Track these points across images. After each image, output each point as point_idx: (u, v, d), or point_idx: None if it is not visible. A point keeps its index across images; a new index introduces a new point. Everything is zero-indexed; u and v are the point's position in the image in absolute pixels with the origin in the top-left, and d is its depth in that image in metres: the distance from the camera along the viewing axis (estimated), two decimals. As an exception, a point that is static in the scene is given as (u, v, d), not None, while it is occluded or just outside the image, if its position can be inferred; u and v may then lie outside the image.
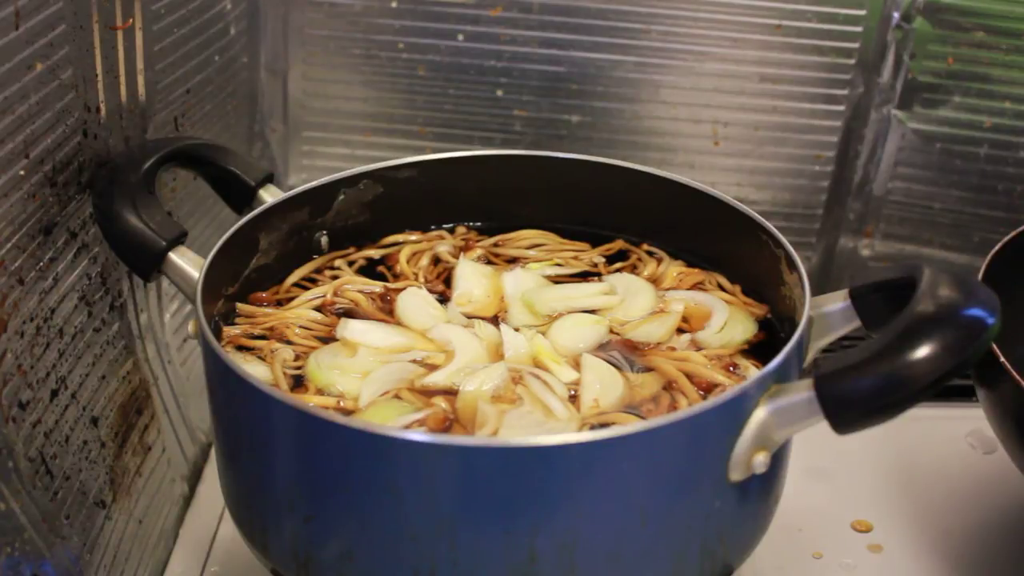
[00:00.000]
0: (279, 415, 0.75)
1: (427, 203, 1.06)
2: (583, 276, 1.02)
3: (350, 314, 0.95)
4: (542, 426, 0.81)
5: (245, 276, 0.96)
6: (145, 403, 1.04)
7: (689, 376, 0.87)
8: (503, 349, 0.89)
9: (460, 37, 1.31)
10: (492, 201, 1.07)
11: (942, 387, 0.70)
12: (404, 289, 0.97)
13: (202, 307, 0.83)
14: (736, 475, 0.76)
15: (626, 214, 1.05)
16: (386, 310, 0.96)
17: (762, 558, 0.99)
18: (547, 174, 1.06)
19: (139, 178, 0.93)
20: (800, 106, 1.32)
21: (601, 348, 0.91)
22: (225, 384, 0.80)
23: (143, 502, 1.02)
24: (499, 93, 1.33)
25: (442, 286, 1.00)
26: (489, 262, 1.03)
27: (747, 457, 0.75)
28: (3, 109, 0.78)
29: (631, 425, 0.72)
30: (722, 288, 0.99)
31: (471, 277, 0.99)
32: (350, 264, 1.02)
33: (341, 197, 1.02)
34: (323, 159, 1.39)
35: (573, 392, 0.85)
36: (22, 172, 0.82)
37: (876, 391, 0.70)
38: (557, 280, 1.01)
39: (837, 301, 0.86)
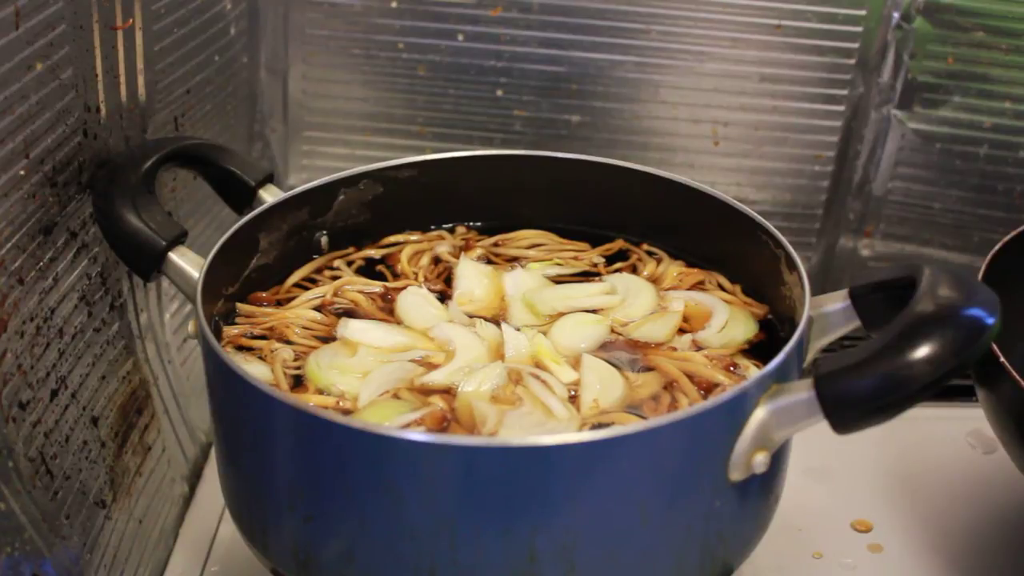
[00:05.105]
0: (279, 415, 0.75)
1: (427, 203, 1.06)
2: (583, 276, 1.02)
3: (350, 314, 0.95)
4: (542, 426, 0.81)
5: (245, 276, 0.96)
6: (145, 403, 1.04)
7: (690, 376, 0.87)
8: (504, 348, 0.89)
9: (460, 37, 1.31)
10: (492, 201, 1.07)
11: (942, 387, 0.70)
12: (404, 288, 0.97)
13: (202, 307, 0.83)
14: (736, 475, 0.76)
15: (626, 214, 1.05)
16: (386, 310, 0.96)
17: (762, 558, 0.99)
18: (547, 174, 1.06)
19: (139, 178, 0.93)
20: (800, 106, 1.32)
21: (602, 348, 0.91)
22: (225, 384, 0.80)
23: (143, 502, 1.02)
24: (499, 93, 1.33)
25: (442, 285, 1.00)
26: (489, 262, 1.03)
27: (747, 457, 0.75)
28: (3, 109, 0.78)
29: (631, 425, 0.72)
30: (722, 288, 0.99)
31: (472, 276, 0.99)
32: (349, 264, 1.02)
33: (341, 197, 1.02)
34: (323, 159, 1.39)
35: (573, 392, 0.85)
36: (22, 172, 0.82)
37: (876, 391, 0.70)
38: (558, 280, 1.01)
39: (837, 301, 0.86)
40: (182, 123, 1.11)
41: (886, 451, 1.19)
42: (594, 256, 1.04)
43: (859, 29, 1.28)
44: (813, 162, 1.35)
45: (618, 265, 1.03)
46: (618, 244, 1.06)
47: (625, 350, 0.91)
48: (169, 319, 1.10)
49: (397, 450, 0.71)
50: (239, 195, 1.01)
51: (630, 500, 0.74)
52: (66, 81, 0.87)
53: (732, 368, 0.88)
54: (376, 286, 0.99)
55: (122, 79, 0.96)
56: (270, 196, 1.00)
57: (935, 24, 1.27)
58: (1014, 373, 0.90)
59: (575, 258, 1.04)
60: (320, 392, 0.86)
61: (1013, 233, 1.09)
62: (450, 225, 1.08)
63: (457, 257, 1.02)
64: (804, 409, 0.73)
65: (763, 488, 0.82)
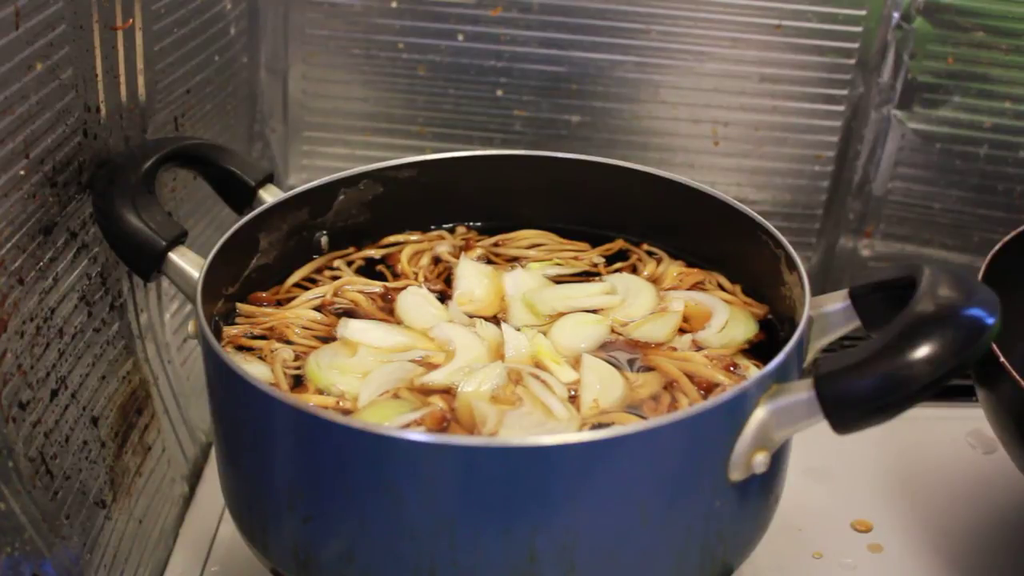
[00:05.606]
0: (279, 415, 0.75)
1: (427, 203, 1.06)
2: (583, 276, 1.02)
3: (350, 314, 0.95)
4: (542, 426, 0.81)
5: (245, 276, 0.96)
6: (145, 403, 1.04)
7: (690, 376, 0.87)
8: (504, 348, 0.89)
9: (460, 37, 1.31)
10: (492, 201, 1.07)
11: (942, 387, 0.70)
12: (404, 288, 0.97)
13: (202, 307, 0.83)
14: (736, 475, 0.76)
15: (626, 214, 1.05)
16: (386, 310, 0.96)
17: (762, 558, 0.99)
18: (547, 174, 1.06)
19: (139, 178, 0.93)
20: (800, 106, 1.32)
21: (603, 348, 0.91)
22: (225, 384, 0.80)
23: (143, 502, 1.02)
24: (499, 93, 1.33)
25: (442, 285, 1.00)
26: (489, 261, 1.03)
27: (747, 457, 0.75)
28: (3, 109, 0.78)
29: (631, 425, 0.72)
30: (722, 288, 0.99)
31: (472, 276, 0.99)
32: (349, 264, 1.02)
33: (341, 197, 1.02)
34: (323, 159, 1.39)
35: (573, 392, 0.85)
36: (22, 172, 0.82)
37: (876, 391, 0.70)
38: (558, 280, 1.01)
39: (837, 301, 0.86)
40: (182, 123, 1.11)
41: (886, 451, 1.19)
42: (594, 256, 1.04)
43: (859, 29, 1.28)
44: (813, 162, 1.35)
45: (618, 265, 1.03)
46: (618, 244, 1.06)
47: (625, 350, 0.91)
48: (169, 319, 1.10)
49: (397, 450, 0.71)
50: (239, 195, 1.01)
51: (630, 500, 0.74)
52: (66, 81, 0.86)
53: (732, 368, 0.88)
54: (376, 286, 0.99)
55: (122, 79, 0.96)
56: (270, 196, 1.00)
57: (935, 24, 1.27)
58: (1014, 373, 0.90)
59: (575, 258, 1.04)
60: (320, 392, 0.86)
61: (1013, 233, 1.09)
62: (450, 225, 1.08)
63: (457, 257, 1.02)
64: (804, 409, 0.73)
65: (763, 488, 0.82)
